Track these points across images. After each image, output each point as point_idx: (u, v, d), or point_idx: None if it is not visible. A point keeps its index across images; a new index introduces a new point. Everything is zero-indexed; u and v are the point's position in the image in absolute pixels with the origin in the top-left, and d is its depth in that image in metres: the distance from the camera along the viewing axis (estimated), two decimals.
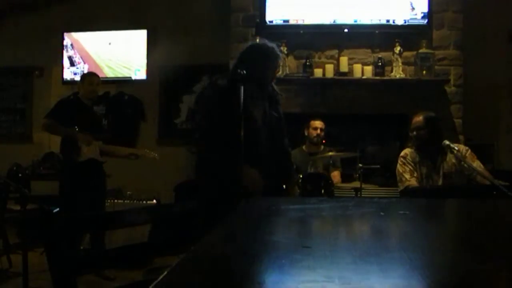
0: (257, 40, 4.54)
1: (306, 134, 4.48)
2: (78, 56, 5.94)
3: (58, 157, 4.50)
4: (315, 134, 4.41)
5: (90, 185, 3.89)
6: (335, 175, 4.38)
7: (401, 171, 3.33)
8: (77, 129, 3.87)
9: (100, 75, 5.72)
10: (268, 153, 2.77)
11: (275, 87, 2.91)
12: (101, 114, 4.19)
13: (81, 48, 5.94)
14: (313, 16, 4.84)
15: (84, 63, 5.92)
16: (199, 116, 2.92)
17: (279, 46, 2.85)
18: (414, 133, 3.36)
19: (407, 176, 3.28)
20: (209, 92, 2.72)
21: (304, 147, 4.53)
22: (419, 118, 3.36)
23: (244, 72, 2.46)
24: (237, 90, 2.43)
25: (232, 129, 2.40)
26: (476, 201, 2.39)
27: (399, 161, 3.38)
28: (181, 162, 5.57)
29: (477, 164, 3.23)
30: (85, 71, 5.58)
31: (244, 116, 2.49)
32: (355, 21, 4.81)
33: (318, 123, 4.44)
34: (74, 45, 5.95)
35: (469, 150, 3.32)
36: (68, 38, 5.95)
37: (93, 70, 5.57)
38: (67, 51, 5.96)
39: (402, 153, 3.42)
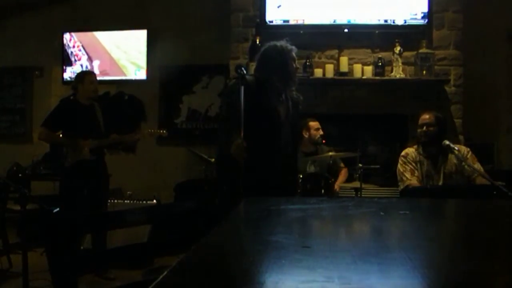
0: (257, 42, 4.61)
1: (306, 136, 4.41)
2: (84, 55, 5.94)
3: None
4: (318, 135, 4.37)
5: (89, 185, 3.89)
6: (342, 173, 4.37)
7: (401, 170, 3.32)
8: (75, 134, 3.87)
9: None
10: (289, 149, 2.91)
11: (295, 91, 3.01)
12: (102, 111, 4.15)
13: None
14: (313, 16, 4.84)
15: (92, 61, 5.91)
16: (223, 106, 3.11)
17: (287, 41, 2.96)
18: (424, 128, 3.31)
19: (408, 175, 3.27)
20: (237, 86, 2.78)
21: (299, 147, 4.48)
22: (429, 115, 3.35)
23: (244, 71, 2.55)
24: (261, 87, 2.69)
25: (249, 120, 2.58)
26: (476, 201, 2.39)
27: (399, 161, 3.37)
28: (181, 162, 5.58)
29: (477, 166, 3.22)
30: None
31: (268, 110, 2.77)
32: (355, 21, 4.81)
33: (317, 123, 4.41)
34: (86, 44, 5.93)
35: (470, 152, 3.31)
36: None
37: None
38: (73, 49, 5.96)
39: (403, 153, 3.41)
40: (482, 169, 3.22)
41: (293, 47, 2.94)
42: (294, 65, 2.94)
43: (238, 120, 2.56)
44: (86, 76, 4.09)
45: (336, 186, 4.15)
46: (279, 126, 2.84)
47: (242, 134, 2.56)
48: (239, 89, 2.56)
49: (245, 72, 2.64)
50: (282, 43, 2.93)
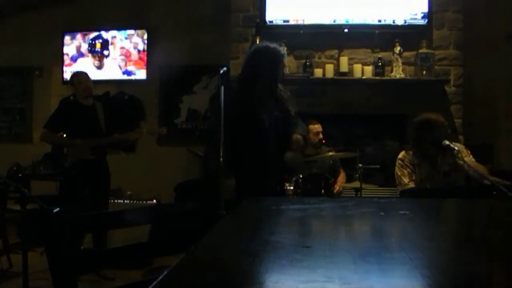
0: (257, 42, 4.60)
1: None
2: (83, 55, 5.93)
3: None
4: (317, 140, 4.35)
5: (90, 184, 3.90)
6: (341, 177, 4.36)
7: (399, 174, 3.30)
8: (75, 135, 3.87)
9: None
10: (274, 154, 2.85)
11: (280, 86, 2.94)
12: (104, 111, 4.15)
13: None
14: (313, 16, 4.84)
15: (91, 61, 5.91)
16: (211, 114, 3.09)
17: (280, 46, 2.88)
18: (448, 130, 3.31)
19: (406, 179, 3.25)
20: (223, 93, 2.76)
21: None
22: (440, 118, 3.33)
23: (226, 69, 2.62)
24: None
25: (233, 129, 2.56)
26: (476, 201, 2.39)
27: (397, 164, 3.34)
28: (181, 162, 5.58)
29: (469, 159, 3.20)
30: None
31: (253, 117, 2.71)
32: (355, 21, 4.81)
33: (317, 127, 4.36)
34: (85, 43, 5.92)
35: (464, 147, 3.31)
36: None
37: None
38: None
39: (400, 156, 3.37)
40: (473, 161, 3.20)
41: (285, 53, 2.87)
42: (283, 71, 2.89)
43: (213, 128, 2.54)
44: (74, 77, 4.14)
45: (337, 187, 4.14)
46: (265, 133, 2.78)
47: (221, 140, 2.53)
48: (219, 87, 2.56)
49: (226, 68, 2.65)
50: (275, 45, 2.85)
